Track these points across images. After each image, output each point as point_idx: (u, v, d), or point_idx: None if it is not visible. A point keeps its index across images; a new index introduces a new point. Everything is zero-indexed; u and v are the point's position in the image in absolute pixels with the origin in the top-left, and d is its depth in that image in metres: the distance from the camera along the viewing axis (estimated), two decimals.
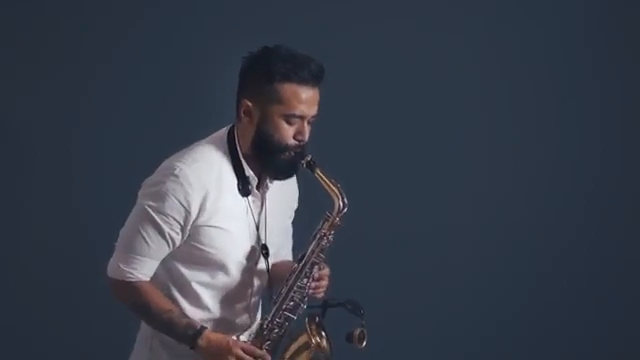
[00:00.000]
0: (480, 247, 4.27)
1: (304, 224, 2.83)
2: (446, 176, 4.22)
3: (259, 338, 2.67)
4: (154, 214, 2.58)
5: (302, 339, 2.69)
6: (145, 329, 2.74)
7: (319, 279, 2.70)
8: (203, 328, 2.62)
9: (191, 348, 2.62)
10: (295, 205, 2.87)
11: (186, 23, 4.11)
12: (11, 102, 4.07)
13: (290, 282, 2.66)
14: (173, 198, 2.57)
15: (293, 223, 2.89)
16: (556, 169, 4.32)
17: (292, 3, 4.12)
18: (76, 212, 4.08)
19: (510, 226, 4.28)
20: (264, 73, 2.57)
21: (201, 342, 2.60)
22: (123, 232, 2.65)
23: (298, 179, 2.84)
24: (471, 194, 4.26)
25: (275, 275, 2.75)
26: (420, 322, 4.23)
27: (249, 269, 2.70)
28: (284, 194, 2.79)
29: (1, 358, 4.07)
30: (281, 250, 2.81)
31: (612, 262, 4.37)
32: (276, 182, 2.72)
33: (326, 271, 2.71)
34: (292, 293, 2.66)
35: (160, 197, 2.57)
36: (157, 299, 2.63)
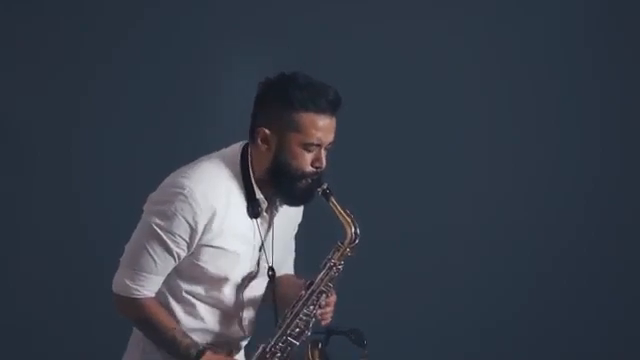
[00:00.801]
0: (480, 247, 4.27)
1: (310, 239, 2.82)
2: (446, 176, 4.22)
3: None
4: (162, 233, 2.57)
5: None
6: (137, 332, 2.73)
7: (325, 306, 2.68)
8: (205, 349, 2.62)
9: None
10: (299, 219, 2.86)
11: (186, 23, 4.11)
12: (11, 102, 4.07)
13: (296, 309, 2.65)
14: (181, 218, 2.56)
15: (298, 238, 2.88)
16: (556, 169, 4.32)
17: (292, 3, 4.12)
18: (76, 212, 4.08)
19: (510, 226, 4.28)
20: (282, 101, 2.56)
21: None
22: (129, 248, 2.64)
23: None
24: (471, 194, 4.26)
25: (278, 292, 2.74)
26: (420, 322, 4.23)
27: (244, 288, 2.70)
28: (290, 211, 2.77)
29: (1, 358, 4.07)
30: (283, 265, 2.80)
31: (612, 262, 4.37)
32: (284, 207, 2.71)
33: (333, 298, 2.70)
34: (297, 320, 2.65)
35: (168, 217, 2.56)
36: (161, 317, 2.63)
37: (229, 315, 2.71)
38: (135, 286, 2.61)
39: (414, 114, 4.19)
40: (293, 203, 2.68)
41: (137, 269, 2.60)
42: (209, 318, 2.68)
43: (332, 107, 2.58)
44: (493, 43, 4.25)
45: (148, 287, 2.61)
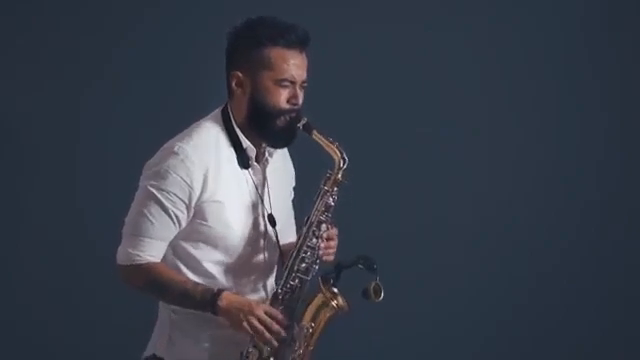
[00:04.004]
0: (480, 247, 4.27)
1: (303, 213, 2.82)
2: (446, 176, 4.22)
3: (274, 304, 2.65)
4: (157, 193, 2.59)
5: (318, 300, 2.68)
6: (163, 320, 2.73)
7: (328, 239, 2.70)
8: (221, 290, 2.61)
9: (212, 313, 2.59)
10: (293, 183, 2.89)
11: (186, 23, 4.11)
12: (11, 102, 4.07)
13: (299, 243, 2.67)
14: (175, 175, 2.58)
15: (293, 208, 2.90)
16: (556, 169, 4.32)
17: (292, 3, 4.11)
18: (76, 212, 4.09)
19: (510, 226, 4.28)
20: (251, 41, 2.63)
21: (221, 303, 2.58)
22: (128, 218, 2.66)
23: (295, 166, 2.89)
24: (471, 194, 4.26)
25: (285, 251, 2.74)
26: (420, 322, 4.22)
27: (259, 241, 2.70)
28: (281, 171, 2.81)
29: (1, 358, 4.07)
30: (286, 229, 2.80)
31: (612, 262, 4.37)
32: (274, 158, 2.74)
33: (334, 231, 2.73)
34: (302, 254, 2.66)
35: (161, 175, 2.59)
36: (169, 274, 2.62)
37: (250, 276, 2.71)
38: (136, 252, 2.61)
39: (414, 114, 4.19)
40: (276, 143, 2.71)
41: (136, 234, 2.61)
42: (229, 285, 2.67)
43: (300, 42, 2.63)
44: (493, 43, 4.25)
45: (149, 252, 2.61)
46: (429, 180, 4.20)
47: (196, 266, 2.66)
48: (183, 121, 3.93)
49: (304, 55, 2.65)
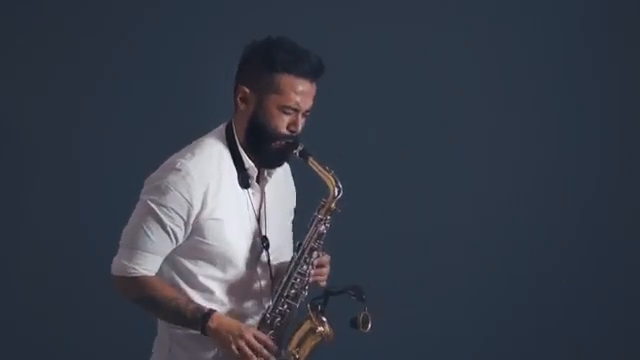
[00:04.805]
0: (480, 247, 4.27)
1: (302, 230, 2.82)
2: (446, 176, 4.22)
3: (262, 329, 2.67)
4: (156, 208, 2.59)
5: (306, 326, 2.70)
6: (162, 334, 2.74)
7: (320, 266, 2.71)
8: (212, 311, 2.62)
9: (202, 332, 2.61)
10: (294, 204, 2.89)
11: (186, 23, 4.11)
12: (11, 102, 4.07)
13: (290, 269, 2.68)
14: (175, 191, 2.59)
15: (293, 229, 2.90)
16: (556, 169, 4.32)
17: (292, 3, 4.12)
18: (76, 212, 4.08)
19: (510, 226, 4.28)
20: (265, 62, 2.62)
21: (211, 324, 2.60)
22: (126, 229, 2.66)
23: (296, 183, 2.88)
24: (471, 194, 4.26)
25: (278, 273, 2.75)
26: (420, 322, 4.23)
27: (255, 261, 2.71)
28: (282, 191, 2.81)
29: (1, 358, 4.07)
30: (283, 250, 2.80)
31: (612, 262, 4.37)
32: (274, 177, 2.75)
33: (326, 258, 2.73)
34: (292, 280, 2.67)
35: (162, 191, 2.59)
36: (162, 290, 2.64)
37: (247, 294, 2.72)
38: (132, 265, 2.62)
39: (414, 114, 4.19)
40: (268, 164, 2.71)
41: (133, 247, 2.62)
42: (227, 300, 2.69)
43: (313, 73, 2.63)
44: (493, 43, 4.26)
45: (145, 266, 2.63)
46: (429, 180, 4.20)
47: (194, 281, 2.67)
48: (183, 121, 3.95)
49: (314, 84, 2.65)
